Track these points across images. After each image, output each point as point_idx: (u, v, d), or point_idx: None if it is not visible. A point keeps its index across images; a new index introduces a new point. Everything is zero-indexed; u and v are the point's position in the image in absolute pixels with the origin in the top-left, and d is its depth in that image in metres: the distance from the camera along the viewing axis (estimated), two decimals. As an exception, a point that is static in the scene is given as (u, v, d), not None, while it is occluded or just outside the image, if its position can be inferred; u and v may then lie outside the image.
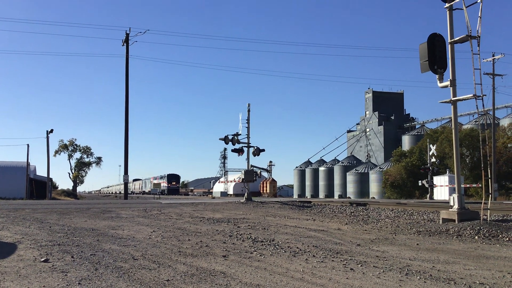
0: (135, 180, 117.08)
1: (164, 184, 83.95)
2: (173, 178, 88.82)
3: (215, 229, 12.25)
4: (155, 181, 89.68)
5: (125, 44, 41.64)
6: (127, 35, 41.70)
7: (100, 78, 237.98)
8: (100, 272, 6.44)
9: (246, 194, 28.37)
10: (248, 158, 31.04)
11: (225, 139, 29.21)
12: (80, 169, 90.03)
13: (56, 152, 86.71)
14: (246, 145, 29.62)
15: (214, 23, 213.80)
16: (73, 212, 17.82)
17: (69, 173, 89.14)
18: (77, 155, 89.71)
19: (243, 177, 29.96)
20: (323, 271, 6.75)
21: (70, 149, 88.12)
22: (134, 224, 13.42)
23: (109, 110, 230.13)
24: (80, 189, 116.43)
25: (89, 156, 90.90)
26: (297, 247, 9.07)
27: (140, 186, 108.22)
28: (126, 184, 43.23)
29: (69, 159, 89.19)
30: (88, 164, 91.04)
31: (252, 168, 30.95)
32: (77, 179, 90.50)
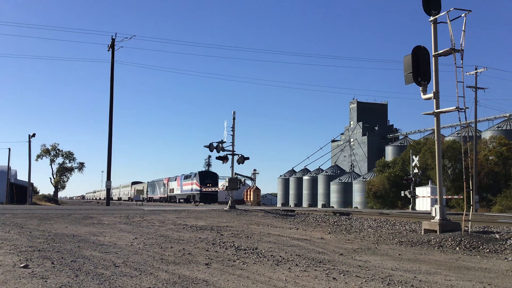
0: (135, 183, 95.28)
1: (193, 186, 58.83)
2: (207, 177, 59.07)
3: (198, 237, 12.18)
4: (182, 182, 64.57)
5: (110, 49, 41.41)
6: (113, 40, 41.49)
7: (85, 83, 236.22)
8: (80, 279, 6.35)
9: (229, 202, 28.29)
10: (232, 166, 30.98)
11: (210, 147, 29.14)
12: (62, 174, 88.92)
13: (38, 156, 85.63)
14: (231, 153, 29.57)
15: (201, 30, 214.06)
16: (54, 217, 17.58)
17: (50, 178, 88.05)
18: (59, 160, 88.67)
19: (227, 185, 29.87)
20: (306, 280, 6.75)
21: (52, 154, 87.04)
22: (116, 231, 13.28)
23: (93, 116, 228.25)
24: (61, 194, 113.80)
25: (71, 161, 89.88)
26: (280, 256, 9.06)
27: (145, 190, 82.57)
28: (108, 190, 42.80)
29: (51, 164, 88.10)
30: (70, 170, 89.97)
31: (236, 176, 30.89)
32: (59, 185, 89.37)
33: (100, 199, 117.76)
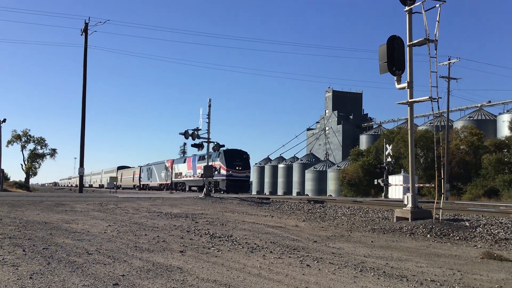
0: (122, 168, 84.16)
1: (219, 170, 43.16)
2: (236, 156, 43.84)
3: (173, 224, 12.14)
4: (195, 164, 48.38)
5: (83, 33, 40.60)
6: (86, 24, 40.66)
7: (57, 68, 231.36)
8: (52, 267, 6.27)
9: (205, 189, 28.25)
10: (207, 153, 30.93)
11: (185, 134, 28.99)
12: (33, 161, 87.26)
13: (9, 142, 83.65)
14: (206, 140, 29.48)
15: (177, 16, 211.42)
16: (25, 204, 17.28)
17: (22, 164, 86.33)
18: (31, 146, 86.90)
19: (202, 173, 29.79)
20: (280, 267, 6.80)
21: (23, 140, 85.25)
22: (89, 218, 13.13)
23: (66, 101, 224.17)
24: (33, 181, 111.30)
25: (43, 147, 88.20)
26: (255, 243, 9.10)
27: (139, 176, 70.95)
28: (81, 176, 42.23)
29: (22, 150, 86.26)
30: (42, 156, 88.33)
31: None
32: (30, 171, 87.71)
33: (77, 186, 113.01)
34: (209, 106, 29.35)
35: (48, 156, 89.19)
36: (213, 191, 41.07)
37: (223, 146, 31.39)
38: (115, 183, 60.47)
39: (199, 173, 45.61)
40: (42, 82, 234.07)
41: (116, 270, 6.19)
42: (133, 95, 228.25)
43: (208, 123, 29.28)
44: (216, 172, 41.41)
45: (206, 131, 29.33)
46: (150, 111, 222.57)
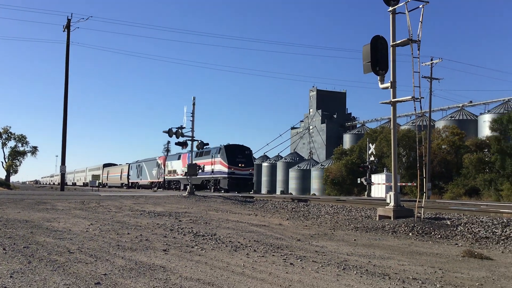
0: (108, 165, 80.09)
1: (216, 167, 40.48)
2: (239, 153, 40.07)
3: (156, 223, 12.07)
4: (192, 162, 36.50)
5: (66, 29, 40.12)
6: (69, 20, 40.17)
7: (38, 64, 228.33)
8: (33, 265, 6.18)
9: (188, 187, 28.16)
10: (191, 152, 30.83)
11: (169, 132, 28.85)
12: (14, 158, 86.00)
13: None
14: (190, 138, 29.38)
15: (163, 13, 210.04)
16: (6, 202, 17.02)
17: (2, 162, 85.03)
18: (11, 143, 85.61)
19: (186, 171, 29.69)
20: (264, 265, 6.80)
21: (4, 137, 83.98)
22: (70, 217, 12.99)
23: (48, 98, 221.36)
24: (13, 179, 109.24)
25: (24, 145, 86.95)
26: (239, 242, 9.09)
27: (127, 174, 66.08)
28: (63, 174, 41.75)
29: (2, 148, 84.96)
30: (23, 154, 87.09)
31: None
32: (11, 169, 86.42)
33: (59, 184, 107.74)
34: (193, 104, 29.26)
35: (29, 154, 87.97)
36: (212, 190, 39.52)
37: (207, 144, 31.34)
38: (97, 181, 58.89)
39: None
40: (23, 79, 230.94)
41: (98, 269, 6.14)
42: (117, 93, 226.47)
43: (192, 121, 29.19)
44: (216, 170, 39.76)
45: (190, 129, 29.24)
46: (134, 109, 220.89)
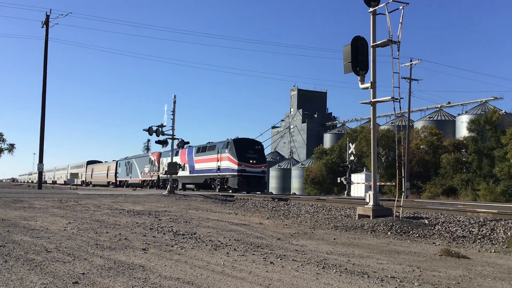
0: (92, 162, 75.38)
1: (223, 163, 35.47)
2: (249, 147, 35.36)
3: (135, 222, 11.98)
4: (193, 158, 40.47)
5: (44, 26, 39.52)
6: (47, 16, 39.58)
7: (16, 61, 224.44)
8: (10, 265, 6.08)
9: (168, 186, 28.00)
10: (172, 151, 30.66)
11: (149, 130, 28.66)
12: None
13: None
14: (171, 137, 29.22)
15: (144, 11, 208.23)
16: (-19, 201, 16.70)
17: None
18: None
19: (166, 169, 29.53)
20: (244, 264, 6.80)
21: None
22: (48, 215, 12.80)
23: (26, 95, 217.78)
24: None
25: (0, 142, 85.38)
26: (219, 241, 9.07)
27: (115, 172, 61.46)
28: (40, 172, 41.13)
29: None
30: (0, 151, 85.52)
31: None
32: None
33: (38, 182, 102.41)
34: (174, 102, 29.10)
35: (6, 151, 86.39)
36: (217, 190, 34.71)
37: (188, 143, 31.17)
38: (80, 180, 57.19)
39: (199, 168, 38.95)
40: (0, 76, 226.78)
41: (76, 268, 6.06)
42: (98, 91, 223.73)
43: (173, 119, 29.04)
44: (223, 167, 34.95)
45: (171, 128, 29.08)
46: (115, 107, 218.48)
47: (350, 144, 44.82)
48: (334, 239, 10.29)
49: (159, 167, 46.47)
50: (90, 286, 5.26)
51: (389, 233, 11.50)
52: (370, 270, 6.68)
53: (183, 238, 9.25)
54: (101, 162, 73.21)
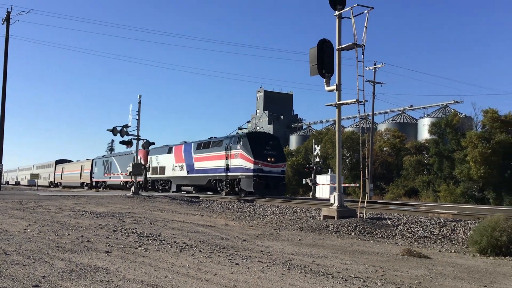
0: (61, 162, 68.67)
1: (234, 161, 29.36)
2: (266, 143, 29.47)
3: (98, 224, 11.76)
4: (192, 155, 34.63)
5: (5, 22, 38.39)
6: (8, 13, 38.48)
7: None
8: (-35, 269, 5.86)
9: (133, 187, 27.63)
10: (137, 151, 30.28)
11: (113, 130, 28.24)
12: None
13: None
14: (136, 137, 28.85)
15: (107, 9, 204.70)
16: None
17: None
18: None
19: (131, 170, 29.13)
20: (209, 266, 6.77)
21: None
22: (7, 217, 12.43)
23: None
24: None
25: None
26: (184, 242, 9.00)
27: (90, 171, 55.81)
28: None
29: None
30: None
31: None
32: None
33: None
34: (139, 102, 28.76)
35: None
36: (224, 193, 30.05)
37: (153, 143, 30.85)
38: (37, 180, 54.65)
39: (200, 167, 33.17)
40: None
41: (37, 271, 5.90)
42: (63, 90, 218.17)
43: (138, 119, 28.69)
44: (233, 166, 29.15)
45: (136, 128, 28.72)
46: (80, 107, 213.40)
47: (316, 146, 45.25)
48: (299, 240, 10.36)
49: (148, 167, 41.83)
50: (50, 289, 5.13)
51: (353, 233, 11.66)
52: (335, 271, 6.76)
53: (147, 240, 9.13)
54: (72, 161, 67.30)
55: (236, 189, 29.37)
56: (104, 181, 51.06)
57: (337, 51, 14.17)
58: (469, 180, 42.09)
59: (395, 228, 12.09)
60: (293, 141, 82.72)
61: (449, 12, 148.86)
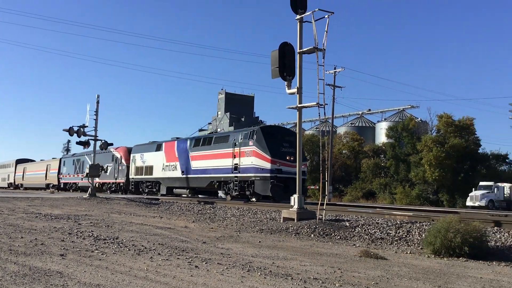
0: (22, 161, 63.40)
1: (245, 160, 24.82)
2: (282, 139, 24.81)
3: (53, 226, 11.43)
4: (188, 153, 29.63)
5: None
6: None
7: None
8: None
9: (89, 189, 27.03)
10: (94, 152, 29.65)
11: (70, 131, 27.59)
12: None
13: None
14: (93, 137, 28.25)
15: (67, 7, 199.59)
16: None
17: None
18: None
19: (88, 172, 28.49)
20: (168, 269, 6.68)
21: None
22: (-44, 220, 11.92)
23: None
24: None
25: None
26: (142, 245, 8.86)
27: (57, 171, 50.97)
28: None
29: None
30: None
31: (97, 162, 29.68)
32: None
33: None
34: (97, 102, 28.18)
35: None
36: (229, 197, 26.41)
37: (111, 144, 30.27)
38: (7, 181, 50.41)
39: (199, 167, 28.64)
40: None
41: (-14, 277, 5.67)
42: (13, 87, 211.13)
43: (96, 120, 28.12)
44: (244, 165, 24.85)
45: (94, 128, 28.13)
46: (35, 105, 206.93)
47: (276, 148, 45.39)
48: (259, 242, 10.38)
49: (130, 166, 36.97)
50: (1, 295, 4.94)
51: (312, 235, 11.78)
52: (294, 272, 6.80)
53: (104, 243, 8.94)
54: (35, 160, 62.56)
55: (248, 192, 25.14)
56: (75, 183, 46.45)
57: (298, 55, 14.30)
58: (424, 183, 43.32)
59: (353, 230, 12.28)
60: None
61: (408, 16, 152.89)
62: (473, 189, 38.41)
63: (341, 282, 6.23)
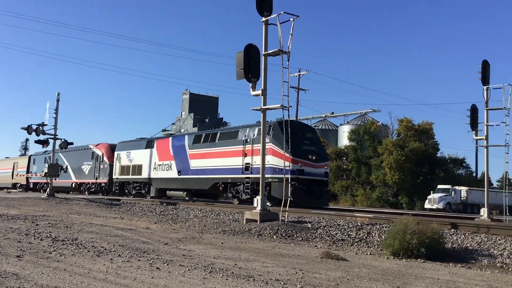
0: None
1: (267, 159, 19.15)
2: (303, 136, 22.19)
3: (9, 227, 11.09)
4: (186, 150, 26.55)
5: None
6: None
7: None
8: None
9: (48, 189, 26.36)
10: (53, 151, 28.95)
11: (28, 129, 26.80)
12: None
13: None
14: (53, 136, 27.57)
15: (24, 2, 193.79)
16: None
17: None
18: None
19: (47, 171, 27.79)
20: (128, 270, 6.59)
21: None
22: None
23: None
24: None
25: None
26: (102, 247, 8.70)
27: (26, 170, 47.05)
28: None
29: None
30: None
31: (56, 161, 29.01)
32: None
33: None
34: (58, 100, 27.53)
35: None
36: (238, 201, 23.47)
37: (72, 143, 29.57)
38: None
39: (199, 166, 25.57)
40: None
41: None
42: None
43: (56, 118, 27.47)
44: (257, 164, 21.30)
45: (53, 127, 27.46)
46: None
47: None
48: (222, 243, 10.36)
49: (114, 165, 33.67)
50: (-48, 298, 4.76)
51: (274, 236, 11.84)
52: (256, 274, 6.82)
53: (62, 244, 8.73)
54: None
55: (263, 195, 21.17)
56: (47, 183, 40.18)
57: (263, 57, 14.35)
58: (384, 186, 44.20)
59: (315, 231, 12.41)
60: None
61: (371, 24, 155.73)
62: (432, 192, 39.53)
63: (302, 283, 6.29)
